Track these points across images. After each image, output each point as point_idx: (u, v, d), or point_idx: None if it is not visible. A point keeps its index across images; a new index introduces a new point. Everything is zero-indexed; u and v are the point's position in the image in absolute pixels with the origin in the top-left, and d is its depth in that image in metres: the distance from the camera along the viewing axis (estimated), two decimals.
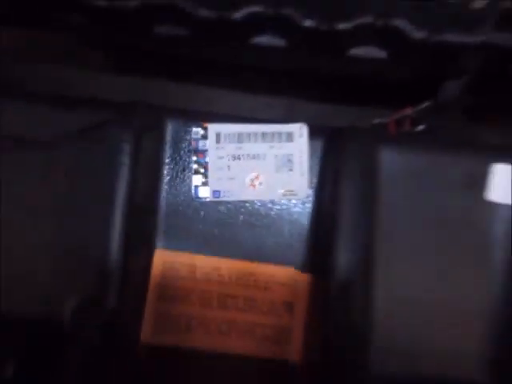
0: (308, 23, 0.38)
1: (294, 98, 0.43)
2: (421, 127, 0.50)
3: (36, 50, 0.51)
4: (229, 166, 0.33)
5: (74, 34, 0.46)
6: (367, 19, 0.38)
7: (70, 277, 0.27)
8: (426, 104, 0.49)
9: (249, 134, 0.35)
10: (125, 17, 0.37)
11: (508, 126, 0.48)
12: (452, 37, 0.39)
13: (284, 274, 0.28)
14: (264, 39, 0.41)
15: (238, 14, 0.38)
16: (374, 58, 0.42)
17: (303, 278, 0.28)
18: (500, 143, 0.43)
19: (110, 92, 0.42)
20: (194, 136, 0.32)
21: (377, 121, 0.51)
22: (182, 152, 0.32)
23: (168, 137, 0.31)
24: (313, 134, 0.32)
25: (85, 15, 0.39)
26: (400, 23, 0.38)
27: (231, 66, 0.42)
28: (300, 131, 0.32)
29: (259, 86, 0.42)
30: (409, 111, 0.50)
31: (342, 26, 0.38)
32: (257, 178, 0.32)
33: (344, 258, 0.26)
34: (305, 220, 0.31)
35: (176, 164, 0.32)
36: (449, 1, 0.36)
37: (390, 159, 0.29)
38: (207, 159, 0.32)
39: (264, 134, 0.33)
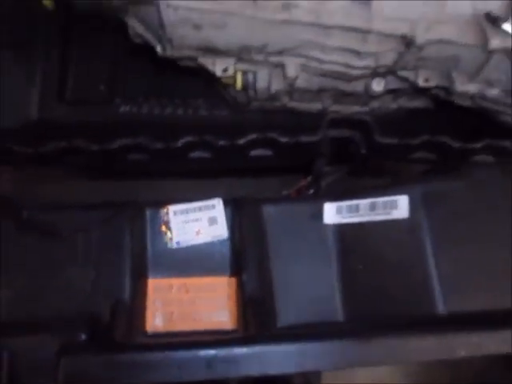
0: (221, 143, 0.65)
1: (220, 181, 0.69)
2: (311, 190, 0.76)
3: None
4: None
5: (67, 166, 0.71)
6: (254, 136, 0.65)
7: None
8: (310, 178, 0.76)
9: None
10: (109, 154, 0.63)
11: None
12: (305, 138, 0.67)
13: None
14: (196, 154, 0.67)
15: (180, 143, 0.64)
16: (266, 155, 0.70)
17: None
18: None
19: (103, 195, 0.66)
20: (161, 214, 0.55)
21: (284, 192, 0.77)
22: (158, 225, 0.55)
23: (148, 218, 0.54)
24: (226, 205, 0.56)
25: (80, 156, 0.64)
26: (274, 135, 0.66)
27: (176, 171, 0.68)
28: (218, 203, 0.55)
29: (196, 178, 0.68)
30: (303, 182, 0.77)
31: (242, 141, 0.65)
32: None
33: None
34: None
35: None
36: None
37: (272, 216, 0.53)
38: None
39: (198, 208, 0.56)
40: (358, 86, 0.71)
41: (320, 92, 0.73)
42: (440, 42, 0.59)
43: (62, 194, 0.65)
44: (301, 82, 0.70)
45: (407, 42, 0.59)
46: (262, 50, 0.62)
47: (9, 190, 0.66)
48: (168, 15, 0.57)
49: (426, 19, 0.58)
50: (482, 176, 0.51)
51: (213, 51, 0.63)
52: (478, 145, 0.66)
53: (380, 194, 0.50)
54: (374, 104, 0.77)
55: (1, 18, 0.74)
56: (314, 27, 0.59)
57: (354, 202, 0.51)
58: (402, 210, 0.48)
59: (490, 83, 0.64)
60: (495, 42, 0.57)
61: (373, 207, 0.50)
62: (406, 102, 0.79)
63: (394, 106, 0.79)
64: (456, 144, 0.66)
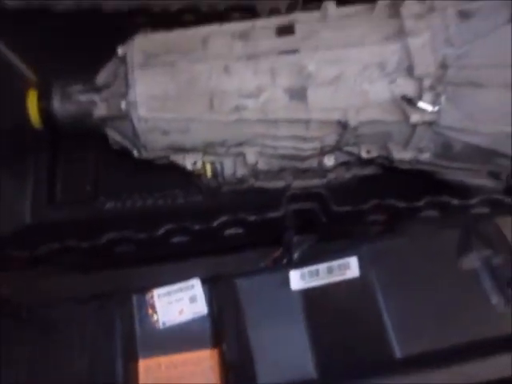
0: (197, 227, 0.73)
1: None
2: (285, 260, 0.84)
3: None
4: None
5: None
6: (225, 218, 0.73)
7: None
8: (280, 250, 0.84)
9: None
10: (98, 249, 0.70)
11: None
12: (270, 215, 0.75)
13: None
14: (176, 239, 0.75)
15: (161, 231, 0.72)
16: (238, 233, 0.78)
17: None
18: None
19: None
20: (147, 298, 0.61)
21: (262, 264, 0.85)
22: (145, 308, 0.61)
23: (135, 303, 0.61)
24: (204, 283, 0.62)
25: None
26: (243, 215, 0.75)
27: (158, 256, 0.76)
28: (196, 283, 0.62)
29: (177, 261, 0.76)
30: (277, 253, 0.85)
31: (215, 223, 0.74)
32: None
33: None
34: None
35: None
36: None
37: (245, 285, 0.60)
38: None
39: (179, 289, 0.63)
40: (313, 163, 0.81)
41: (281, 171, 0.83)
42: (370, 122, 0.70)
43: (56, 290, 0.71)
44: (262, 165, 0.80)
45: (342, 125, 0.70)
46: (222, 144, 0.73)
47: (7, 293, 0.72)
48: (140, 126, 0.68)
49: (354, 106, 0.69)
50: (421, 231, 0.60)
51: (181, 150, 0.74)
52: (421, 203, 0.75)
53: (335, 258, 0.58)
54: (331, 176, 0.87)
55: None
56: (263, 122, 0.70)
57: (314, 267, 0.58)
58: (353, 269, 0.56)
59: (420, 150, 0.75)
60: (415, 118, 0.68)
61: (330, 270, 0.57)
62: (358, 171, 0.89)
63: (348, 175, 0.89)
64: (401, 204, 0.75)
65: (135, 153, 0.74)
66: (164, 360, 0.55)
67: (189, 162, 0.75)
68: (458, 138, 0.71)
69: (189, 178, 0.87)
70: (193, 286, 0.59)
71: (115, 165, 0.89)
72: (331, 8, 0.73)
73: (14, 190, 0.86)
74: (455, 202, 0.76)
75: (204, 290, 0.58)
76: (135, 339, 0.56)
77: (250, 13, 0.87)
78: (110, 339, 0.55)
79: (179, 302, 0.58)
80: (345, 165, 0.86)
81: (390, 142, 0.75)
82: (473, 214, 0.72)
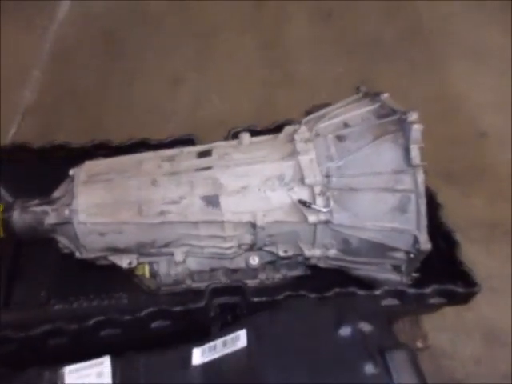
0: (126, 318, 0.81)
1: None
2: None
3: None
4: None
5: None
6: (152, 309, 0.82)
7: None
8: None
9: None
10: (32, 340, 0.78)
11: None
12: (193, 306, 0.84)
13: None
14: (107, 332, 0.82)
15: (91, 322, 0.80)
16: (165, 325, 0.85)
17: None
18: None
19: None
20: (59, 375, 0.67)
21: None
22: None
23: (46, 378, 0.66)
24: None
25: None
26: (167, 307, 0.83)
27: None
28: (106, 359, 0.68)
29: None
30: None
31: (143, 313, 0.82)
32: None
33: None
34: None
35: None
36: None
37: None
38: None
39: (91, 365, 0.69)
40: (241, 263, 0.93)
41: (213, 271, 0.94)
42: (276, 222, 0.84)
43: None
44: (193, 266, 0.92)
45: (252, 225, 0.84)
46: (152, 245, 0.86)
47: None
48: (80, 228, 0.82)
49: (260, 209, 0.84)
50: (302, 306, 0.69)
51: (117, 250, 0.86)
52: (330, 293, 0.85)
53: (228, 332, 0.66)
54: (262, 276, 0.98)
55: None
56: (185, 224, 0.83)
57: (212, 343, 0.66)
58: (242, 340, 0.63)
59: (326, 247, 0.87)
60: (312, 218, 0.82)
61: (224, 344, 0.65)
62: (287, 272, 0.99)
63: (278, 275, 0.99)
64: (313, 295, 0.84)
65: (77, 254, 0.86)
66: None
67: (125, 261, 0.87)
68: (352, 233, 0.84)
69: (132, 281, 0.98)
70: (102, 363, 0.65)
71: (67, 270, 1.00)
72: (245, 138, 0.93)
73: None
74: (361, 292, 0.85)
75: (112, 367, 0.65)
76: None
77: (190, 144, 1.07)
78: None
79: (88, 377, 0.64)
80: (271, 265, 0.97)
81: (300, 241, 0.88)
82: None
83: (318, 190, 0.83)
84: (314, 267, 0.95)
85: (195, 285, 0.96)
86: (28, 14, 1.94)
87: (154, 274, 0.93)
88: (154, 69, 1.73)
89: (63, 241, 0.88)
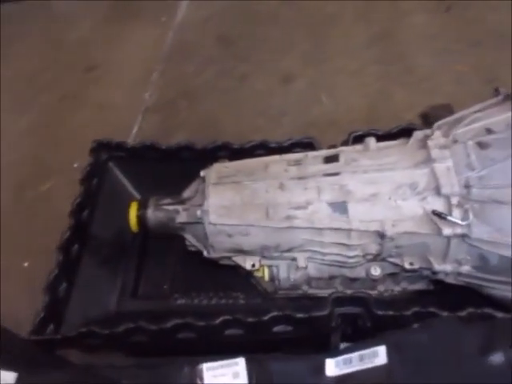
0: (250, 320, 0.82)
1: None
2: None
3: None
4: None
5: None
6: (275, 313, 0.82)
7: None
8: None
9: None
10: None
11: None
12: (316, 313, 0.83)
13: None
14: (231, 331, 0.85)
15: (218, 321, 0.83)
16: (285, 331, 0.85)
17: None
18: None
19: None
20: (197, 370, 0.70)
21: None
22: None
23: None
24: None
25: None
26: (291, 312, 0.83)
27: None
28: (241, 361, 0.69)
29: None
30: None
31: (266, 317, 0.83)
32: None
33: None
34: None
35: None
36: None
37: None
38: None
39: (227, 364, 0.71)
40: (361, 272, 0.90)
41: (331, 279, 0.93)
42: (405, 233, 0.80)
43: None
44: (313, 272, 0.91)
45: (380, 235, 0.80)
46: (276, 248, 0.86)
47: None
48: (210, 229, 0.85)
49: (390, 219, 0.80)
50: (442, 327, 0.64)
51: (242, 252, 0.88)
52: (463, 313, 0.78)
53: (365, 347, 0.63)
54: (380, 288, 0.94)
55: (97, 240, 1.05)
56: (311, 230, 0.82)
57: (348, 355, 0.64)
58: (382, 357, 0.61)
59: (459, 262, 0.81)
60: (446, 231, 0.76)
61: (361, 358, 0.63)
62: (407, 285, 0.95)
63: (397, 288, 0.95)
64: (444, 313, 0.79)
65: (205, 252, 0.90)
66: None
67: (248, 263, 0.88)
68: (492, 250, 0.77)
69: (249, 282, 1.00)
70: (237, 363, 0.67)
71: (189, 267, 1.04)
72: (372, 143, 0.89)
73: (105, 284, 1.04)
74: (499, 315, 0.78)
75: (247, 368, 0.66)
76: None
77: (309, 148, 1.06)
78: None
79: (224, 377, 0.66)
80: (392, 277, 0.93)
81: (430, 254, 0.82)
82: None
83: (455, 200, 0.77)
84: (436, 282, 0.89)
85: (311, 291, 0.95)
86: (145, 16, 2.07)
87: (273, 278, 0.93)
88: (267, 68, 1.75)
89: (191, 239, 0.92)
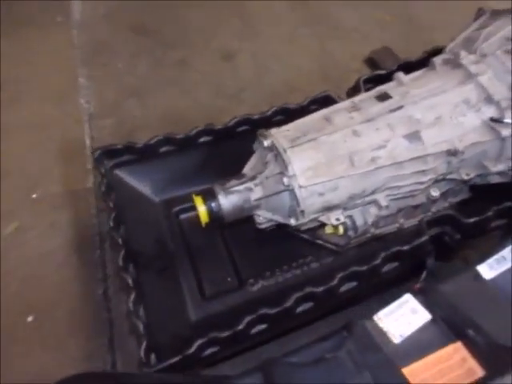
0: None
1: None
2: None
3: None
4: None
5: None
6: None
7: None
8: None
9: None
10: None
11: None
12: (416, 242, 0.86)
13: None
14: (347, 286, 0.84)
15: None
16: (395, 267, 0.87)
17: None
18: None
19: None
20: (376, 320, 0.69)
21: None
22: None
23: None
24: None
25: None
26: (400, 247, 0.85)
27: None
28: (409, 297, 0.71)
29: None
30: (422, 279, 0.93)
31: (378, 261, 0.84)
32: None
33: None
34: None
35: None
36: None
37: None
38: None
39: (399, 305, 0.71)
40: (422, 198, 0.95)
41: (397, 213, 0.96)
42: (472, 144, 0.87)
43: None
44: (387, 210, 0.93)
45: (452, 153, 0.86)
46: (361, 195, 0.87)
47: None
48: (301, 193, 0.82)
49: (456, 136, 0.86)
50: None
51: (328, 209, 0.87)
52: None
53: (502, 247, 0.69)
54: (433, 209, 1.01)
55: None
56: (393, 166, 0.85)
57: (497, 256, 0.69)
58: None
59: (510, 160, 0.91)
60: (505, 132, 0.85)
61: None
62: (453, 199, 1.03)
63: (445, 204, 1.03)
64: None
65: (292, 221, 0.86)
66: (420, 364, 0.61)
67: (333, 218, 0.87)
68: None
69: (315, 245, 0.99)
70: (407, 301, 0.67)
71: (248, 251, 0.99)
72: (401, 76, 0.94)
73: (172, 296, 0.93)
74: None
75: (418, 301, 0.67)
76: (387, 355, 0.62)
77: (324, 103, 1.07)
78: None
79: (404, 317, 0.66)
80: (443, 195, 1.00)
81: (485, 159, 0.91)
82: None
83: (505, 104, 0.86)
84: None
85: (378, 231, 0.98)
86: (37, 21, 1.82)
87: (346, 230, 0.93)
88: (202, 49, 1.69)
89: (266, 215, 0.87)
